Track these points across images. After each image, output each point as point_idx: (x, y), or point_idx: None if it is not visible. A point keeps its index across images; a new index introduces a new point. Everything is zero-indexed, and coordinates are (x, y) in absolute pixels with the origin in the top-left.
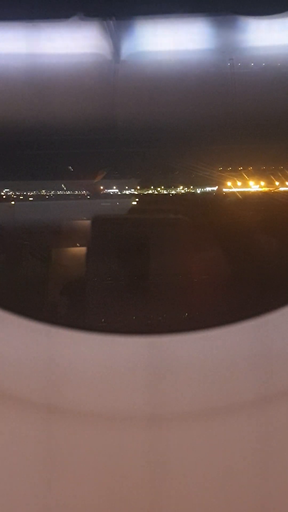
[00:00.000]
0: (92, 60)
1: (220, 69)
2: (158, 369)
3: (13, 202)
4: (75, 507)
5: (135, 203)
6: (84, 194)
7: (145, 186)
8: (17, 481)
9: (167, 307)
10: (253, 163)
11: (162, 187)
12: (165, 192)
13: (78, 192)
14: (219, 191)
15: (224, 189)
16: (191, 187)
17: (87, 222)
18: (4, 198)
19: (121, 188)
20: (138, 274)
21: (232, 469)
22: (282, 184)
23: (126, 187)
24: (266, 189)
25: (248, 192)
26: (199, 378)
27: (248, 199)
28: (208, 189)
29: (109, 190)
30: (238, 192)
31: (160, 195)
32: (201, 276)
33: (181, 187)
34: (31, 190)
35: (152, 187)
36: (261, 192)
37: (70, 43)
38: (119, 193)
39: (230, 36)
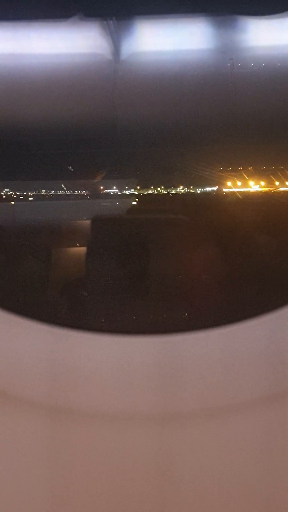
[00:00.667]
0: (92, 60)
1: (220, 69)
2: (159, 369)
3: (13, 202)
4: (80, 507)
5: (135, 203)
6: (84, 194)
7: (145, 186)
8: (23, 482)
9: (167, 307)
10: (253, 163)
11: (162, 187)
12: (165, 192)
13: (78, 192)
14: (219, 191)
15: (224, 189)
16: (191, 187)
17: (87, 222)
18: (4, 198)
19: (121, 188)
20: (138, 274)
21: (239, 468)
22: (282, 184)
23: (126, 187)
24: (266, 189)
25: (248, 192)
26: (202, 378)
27: (248, 199)
28: (208, 189)
29: (109, 190)
30: (238, 192)
31: (160, 195)
32: (201, 276)
33: (181, 187)
34: (31, 190)
35: (152, 187)
36: (261, 192)
37: (70, 43)
38: (119, 193)
39: (230, 36)
